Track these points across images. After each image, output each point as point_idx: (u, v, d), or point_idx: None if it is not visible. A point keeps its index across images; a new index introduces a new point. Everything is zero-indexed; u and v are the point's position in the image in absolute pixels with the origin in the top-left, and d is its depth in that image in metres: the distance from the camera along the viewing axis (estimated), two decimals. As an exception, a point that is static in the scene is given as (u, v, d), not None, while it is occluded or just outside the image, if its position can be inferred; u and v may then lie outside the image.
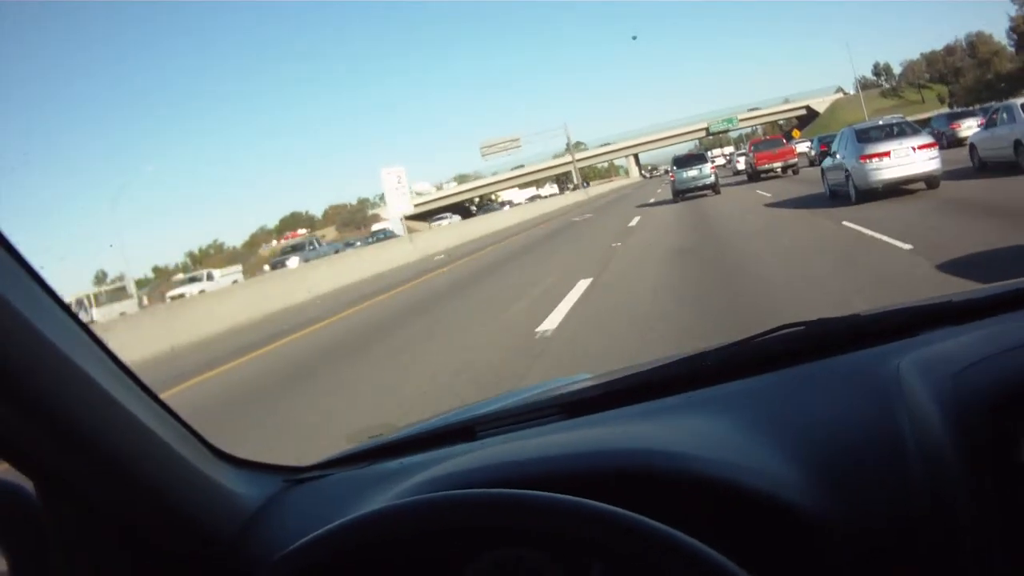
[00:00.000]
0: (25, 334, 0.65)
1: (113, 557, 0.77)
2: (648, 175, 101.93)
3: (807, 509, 0.74)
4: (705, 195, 24.51)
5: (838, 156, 13.80)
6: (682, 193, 24.90)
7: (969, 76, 61.75)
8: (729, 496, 0.76)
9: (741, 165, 42.40)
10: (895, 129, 13.20)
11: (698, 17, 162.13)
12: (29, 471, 0.72)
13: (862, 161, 12.46)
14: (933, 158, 12.29)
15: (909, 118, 16.69)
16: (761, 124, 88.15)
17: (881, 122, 14.08)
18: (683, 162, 25.95)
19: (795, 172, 27.87)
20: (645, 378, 1.08)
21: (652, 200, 29.71)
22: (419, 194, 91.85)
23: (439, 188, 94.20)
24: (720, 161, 64.56)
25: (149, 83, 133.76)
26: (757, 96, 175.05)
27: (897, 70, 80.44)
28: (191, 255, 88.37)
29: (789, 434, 0.84)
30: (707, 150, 77.11)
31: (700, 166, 25.08)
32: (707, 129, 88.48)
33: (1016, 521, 0.67)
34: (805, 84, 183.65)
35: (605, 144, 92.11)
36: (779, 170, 27.88)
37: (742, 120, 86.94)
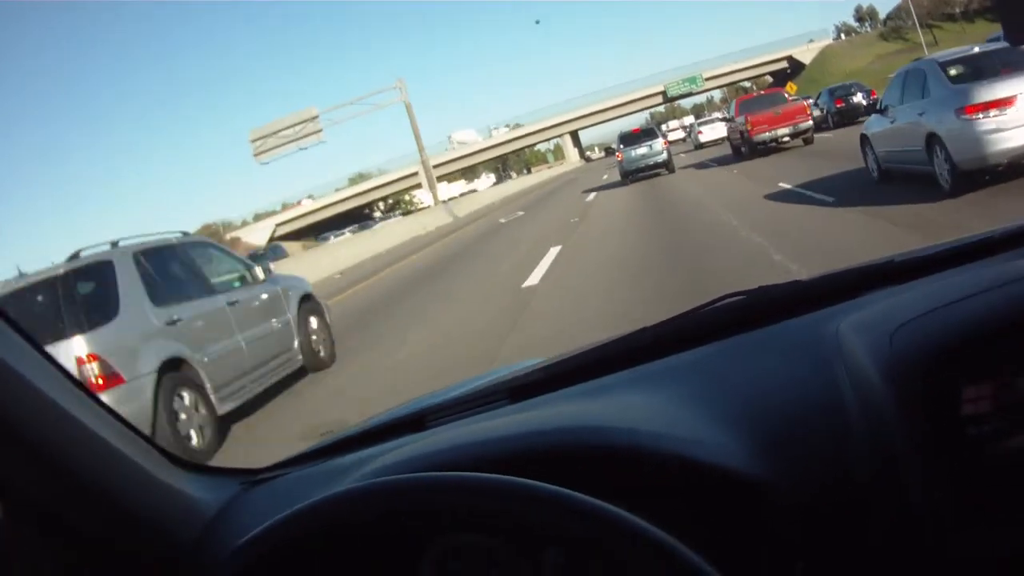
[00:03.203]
0: None
1: (75, 568, 0.81)
2: (599, 155, 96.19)
3: (754, 478, 0.77)
4: (656, 175, 23.12)
5: (901, 112, 8.71)
6: (632, 174, 23.99)
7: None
8: (676, 469, 0.79)
9: (706, 135, 37.60)
10: (1001, 59, 8.11)
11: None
12: None
13: (967, 115, 7.29)
14: (1082, 103, 7.23)
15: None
16: (724, 86, 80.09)
17: (976, 50, 8.89)
18: (631, 139, 24.24)
19: (807, 141, 19.90)
20: (589, 357, 1.13)
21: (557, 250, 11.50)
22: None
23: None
24: (678, 135, 59.54)
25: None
26: (715, 51, 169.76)
27: (889, 7, 74.34)
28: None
29: (733, 404, 0.88)
30: (659, 123, 70.80)
31: (650, 142, 23.75)
32: (664, 93, 73.57)
33: (960, 475, 0.70)
34: (770, 36, 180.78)
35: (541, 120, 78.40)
36: (787, 139, 19.61)
37: (708, 79, 74.03)
